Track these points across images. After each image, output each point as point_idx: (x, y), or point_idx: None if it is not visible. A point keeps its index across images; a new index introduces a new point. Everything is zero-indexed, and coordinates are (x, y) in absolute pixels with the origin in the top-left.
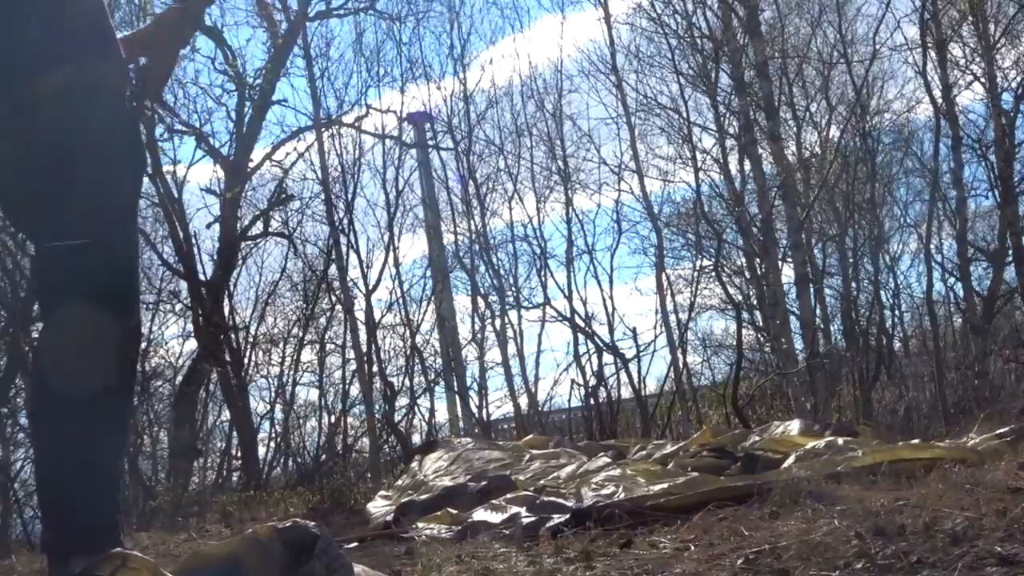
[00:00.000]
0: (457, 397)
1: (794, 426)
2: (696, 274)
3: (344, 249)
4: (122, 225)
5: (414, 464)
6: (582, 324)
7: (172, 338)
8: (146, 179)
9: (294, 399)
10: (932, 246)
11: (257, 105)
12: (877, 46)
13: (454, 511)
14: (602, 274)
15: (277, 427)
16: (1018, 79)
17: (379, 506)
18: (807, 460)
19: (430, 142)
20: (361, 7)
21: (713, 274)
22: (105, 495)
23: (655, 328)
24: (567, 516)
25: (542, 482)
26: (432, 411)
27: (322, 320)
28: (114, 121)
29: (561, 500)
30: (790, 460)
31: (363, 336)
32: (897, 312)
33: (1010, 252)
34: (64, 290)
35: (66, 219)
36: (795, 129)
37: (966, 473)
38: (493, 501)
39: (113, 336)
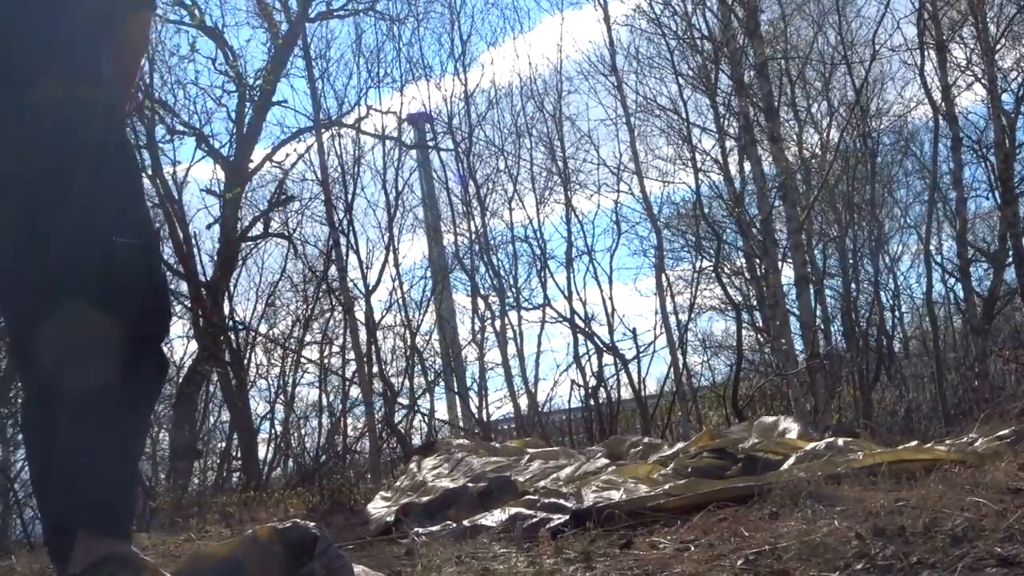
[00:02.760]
0: (457, 398)
1: (793, 429)
2: (696, 275)
3: (344, 250)
4: (115, 234)
5: (412, 465)
6: (582, 325)
7: (173, 339)
8: (146, 180)
9: (294, 400)
10: (932, 247)
11: (257, 106)
12: (877, 47)
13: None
14: (602, 275)
15: (277, 427)
16: (1018, 80)
17: (379, 507)
18: (807, 461)
19: (430, 143)
20: (361, 8)
21: (713, 275)
22: (103, 492)
23: (655, 329)
24: (567, 517)
25: (542, 483)
26: (432, 412)
27: (322, 321)
28: (107, 135)
29: (561, 501)
30: (790, 461)
31: (363, 337)
32: (897, 313)
33: (1010, 253)
34: (59, 290)
35: (59, 230)
36: (797, 130)
37: (966, 474)
38: (494, 507)
39: (108, 338)
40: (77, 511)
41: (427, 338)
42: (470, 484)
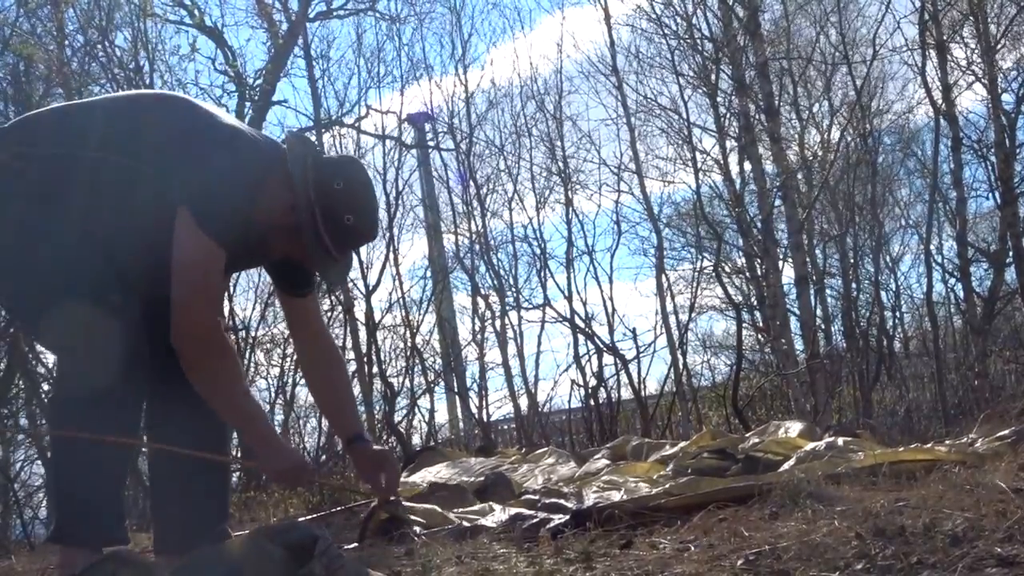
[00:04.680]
0: (457, 398)
1: (794, 428)
2: (696, 275)
3: None
4: None
5: (405, 475)
6: (582, 325)
7: None
8: None
9: (294, 400)
10: (932, 247)
11: (257, 105)
12: (877, 47)
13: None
14: (602, 275)
15: (277, 427)
16: (1019, 80)
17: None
18: (807, 461)
19: (430, 143)
20: (362, 8)
21: (713, 275)
22: (104, 492)
23: (655, 329)
24: (567, 517)
25: (541, 480)
26: (432, 412)
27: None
28: None
29: (562, 501)
30: (791, 462)
31: (363, 337)
32: (897, 313)
33: (1010, 253)
34: None
35: None
36: (799, 130)
37: (966, 474)
38: (493, 504)
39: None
40: (55, 523)
41: (427, 338)
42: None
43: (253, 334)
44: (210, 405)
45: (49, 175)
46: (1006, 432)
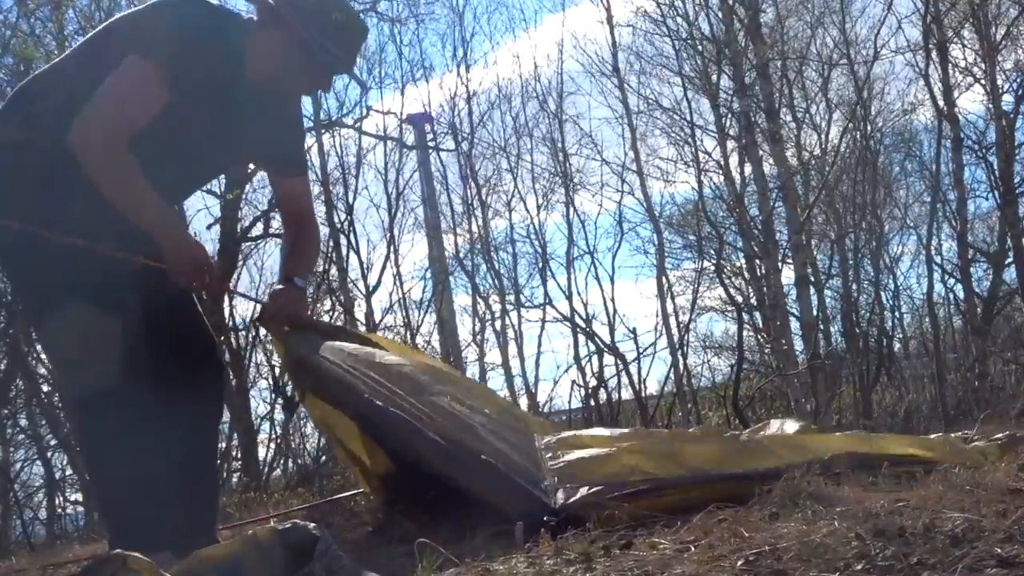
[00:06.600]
0: None
1: (791, 426)
2: (697, 275)
3: (345, 251)
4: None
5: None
6: (583, 325)
7: None
8: None
9: (294, 400)
10: (932, 247)
11: None
12: (879, 48)
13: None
14: (603, 275)
15: (277, 428)
16: (1019, 81)
17: None
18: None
19: (431, 143)
20: (361, 9)
21: (715, 275)
22: (142, 493)
23: (656, 329)
24: (552, 516)
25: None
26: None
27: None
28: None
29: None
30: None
31: None
32: (897, 313)
33: (1010, 253)
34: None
35: None
36: (796, 131)
37: (966, 474)
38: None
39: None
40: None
41: (427, 339)
42: None
43: (253, 334)
44: (109, 198)
45: (54, 157)
46: (999, 436)
